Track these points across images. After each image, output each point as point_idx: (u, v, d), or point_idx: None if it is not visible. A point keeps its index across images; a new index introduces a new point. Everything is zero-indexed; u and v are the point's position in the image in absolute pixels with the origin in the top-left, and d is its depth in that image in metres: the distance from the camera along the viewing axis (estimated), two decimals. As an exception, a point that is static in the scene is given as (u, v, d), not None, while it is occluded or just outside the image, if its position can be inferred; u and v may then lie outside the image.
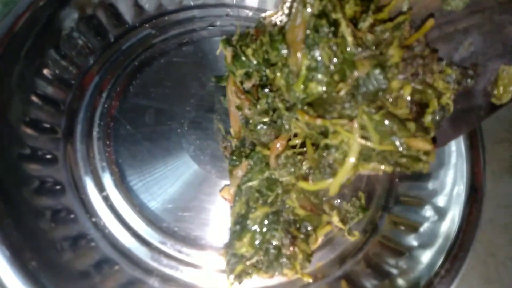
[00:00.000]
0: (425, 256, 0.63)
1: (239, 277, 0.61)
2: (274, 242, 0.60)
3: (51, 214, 0.61)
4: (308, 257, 0.61)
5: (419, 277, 0.61)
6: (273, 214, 0.60)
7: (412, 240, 0.66)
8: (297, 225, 0.63)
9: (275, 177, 0.61)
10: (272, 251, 0.59)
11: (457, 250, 0.61)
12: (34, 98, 0.67)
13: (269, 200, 0.61)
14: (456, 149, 0.70)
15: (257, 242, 0.60)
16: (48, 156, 0.66)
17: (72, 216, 0.63)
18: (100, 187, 0.67)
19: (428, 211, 0.68)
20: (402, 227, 0.69)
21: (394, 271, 0.64)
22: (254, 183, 0.61)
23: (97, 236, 0.62)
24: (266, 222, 0.60)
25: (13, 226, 0.55)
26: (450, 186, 0.68)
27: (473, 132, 0.71)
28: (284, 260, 0.59)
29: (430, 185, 0.71)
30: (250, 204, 0.61)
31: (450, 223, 0.64)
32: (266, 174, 0.61)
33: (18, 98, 0.65)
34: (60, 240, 0.60)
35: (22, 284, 0.52)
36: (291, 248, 0.60)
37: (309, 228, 0.63)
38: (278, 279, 0.64)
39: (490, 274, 0.76)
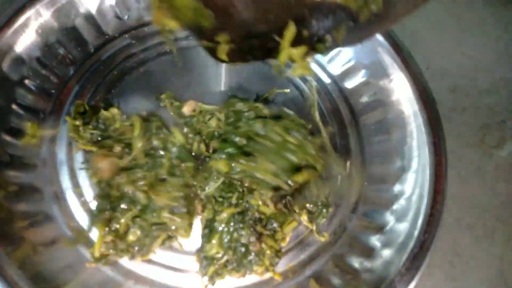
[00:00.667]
0: (388, 255, 0.66)
1: (212, 279, 0.64)
2: (242, 241, 0.63)
3: (29, 218, 0.64)
4: (277, 253, 0.64)
5: (382, 275, 0.65)
6: (239, 214, 0.64)
7: (377, 241, 0.69)
8: (263, 223, 0.66)
9: (232, 181, 0.65)
10: (241, 249, 0.62)
11: (418, 249, 0.64)
12: (14, 107, 0.70)
13: (233, 201, 0.64)
14: (419, 153, 0.74)
15: (225, 242, 0.63)
16: (28, 163, 0.69)
17: (50, 221, 0.66)
18: (79, 193, 0.70)
19: (392, 213, 0.72)
20: (368, 228, 0.72)
21: (359, 269, 0.67)
22: (210, 191, 0.65)
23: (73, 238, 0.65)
24: (232, 222, 0.63)
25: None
26: (414, 189, 0.72)
27: (436, 135, 0.74)
28: (252, 257, 0.62)
29: (395, 188, 0.74)
30: (216, 208, 0.65)
31: (412, 224, 0.68)
32: (221, 180, 0.65)
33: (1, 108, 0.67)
34: (37, 243, 0.62)
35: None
36: (258, 245, 0.63)
37: (275, 225, 0.66)
38: (251, 279, 0.67)
39: (455, 273, 0.79)
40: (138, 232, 0.63)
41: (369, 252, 0.69)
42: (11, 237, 0.60)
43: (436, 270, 0.79)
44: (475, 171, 0.91)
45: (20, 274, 0.58)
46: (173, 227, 0.64)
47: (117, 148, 0.68)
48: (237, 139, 0.67)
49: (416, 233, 0.67)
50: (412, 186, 0.72)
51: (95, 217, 0.63)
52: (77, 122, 0.70)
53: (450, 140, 0.87)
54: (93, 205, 0.67)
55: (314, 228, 0.69)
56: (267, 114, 0.72)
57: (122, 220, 0.63)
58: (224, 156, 0.66)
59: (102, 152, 0.66)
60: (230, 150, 0.66)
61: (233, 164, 0.65)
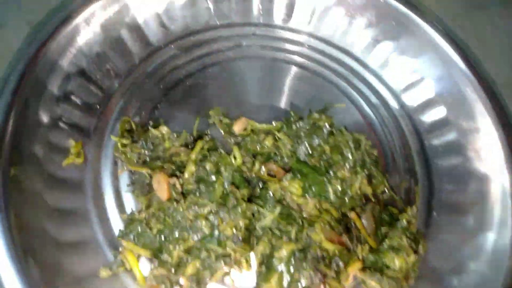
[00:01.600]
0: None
1: (268, 320, 0.58)
2: (304, 282, 0.57)
3: (74, 247, 0.59)
4: (340, 296, 0.58)
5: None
6: (300, 251, 0.57)
7: (454, 283, 0.62)
8: (326, 261, 0.59)
9: (290, 211, 0.59)
10: (302, 291, 0.56)
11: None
12: (58, 123, 0.66)
13: (292, 236, 0.58)
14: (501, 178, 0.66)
15: (285, 283, 0.56)
16: (72, 186, 0.64)
17: (94, 248, 0.61)
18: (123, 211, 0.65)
19: (470, 251, 0.64)
20: (443, 268, 0.64)
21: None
22: (266, 221, 0.59)
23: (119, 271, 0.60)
24: (293, 260, 0.57)
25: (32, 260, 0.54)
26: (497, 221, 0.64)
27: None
28: (314, 300, 0.56)
29: (473, 220, 0.66)
30: (274, 243, 0.58)
31: (495, 265, 0.60)
32: (278, 210, 0.58)
33: (41, 125, 0.63)
34: (83, 274, 0.58)
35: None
36: (322, 287, 0.57)
37: (340, 264, 0.60)
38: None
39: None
40: (198, 264, 0.57)
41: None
42: (55, 269, 0.56)
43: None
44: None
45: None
46: (233, 260, 0.58)
47: (168, 170, 0.63)
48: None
49: (500, 279, 0.59)
50: (491, 218, 0.64)
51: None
52: (124, 141, 0.65)
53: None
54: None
55: None
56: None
57: (175, 251, 0.58)
58: (299, 176, 0.60)
59: (162, 171, 0.61)
60: (304, 170, 0.60)
61: (307, 186, 0.59)
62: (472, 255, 0.63)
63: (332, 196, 0.63)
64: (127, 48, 0.76)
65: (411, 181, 0.72)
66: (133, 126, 0.67)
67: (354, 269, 0.59)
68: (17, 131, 0.59)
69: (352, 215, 0.62)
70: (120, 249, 0.60)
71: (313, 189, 0.62)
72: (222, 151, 0.65)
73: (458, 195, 0.70)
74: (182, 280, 0.59)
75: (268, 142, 0.66)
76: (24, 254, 0.53)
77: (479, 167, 0.69)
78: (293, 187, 0.61)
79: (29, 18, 0.81)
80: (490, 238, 0.63)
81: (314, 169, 0.63)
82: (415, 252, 0.62)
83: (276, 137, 0.67)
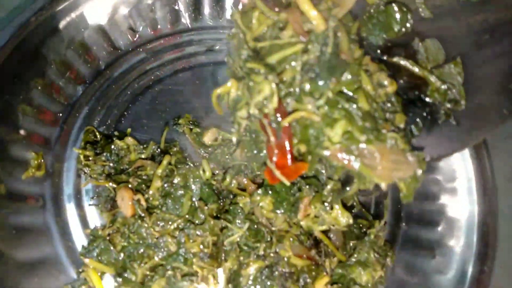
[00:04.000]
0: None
1: (236, 339, 0.57)
2: (271, 299, 0.56)
3: (35, 266, 0.57)
4: (307, 311, 0.58)
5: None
6: (268, 269, 0.56)
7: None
8: (294, 278, 0.59)
9: (259, 227, 0.58)
10: (268, 308, 0.55)
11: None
12: (17, 134, 0.62)
13: (261, 252, 0.57)
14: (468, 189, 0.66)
15: (252, 301, 0.56)
16: (32, 199, 0.61)
17: (57, 266, 0.59)
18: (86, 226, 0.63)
19: (436, 262, 0.65)
20: (409, 279, 0.65)
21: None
22: (234, 237, 0.58)
23: None
24: (259, 278, 0.56)
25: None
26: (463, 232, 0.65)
27: (484, 170, 0.67)
28: (281, 317, 0.55)
29: (440, 231, 0.67)
30: (241, 260, 0.58)
31: (460, 279, 0.61)
32: (246, 226, 0.58)
33: (2, 135, 0.60)
34: None
35: None
36: (289, 305, 0.56)
37: (307, 280, 0.59)
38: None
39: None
40: (163, 283, 0.56)
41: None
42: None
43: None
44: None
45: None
46: (200, 277, 0.57)
47: (133, 184, 0.61)
48: None
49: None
50: (457, 229, 0.65)
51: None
52: (87, 153, 0.62)
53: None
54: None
55: None
56: None
57: (140, 269, 0.56)
58: (270, 192, 0.59)
59: (126, 186, 0.59)
60: (276, 186, 0.59)
61: (278, 202, 0.59)
62: (438, 267, 0.64)
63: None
64: (92, 52, 0.73)
65: (380, 194, 0.72)
66: (98, 136, 0.65)
67: (321, 285, 0.59)
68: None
69: (317, 232, 0.61)
70: (83, 267, 0.58)
71: (284, 205, 0.61)
72: (191, 164, 0.63)
73: (426, 207, 0.70)
74: (147, 299, 0.57)
75: (238, 155, 0.64)
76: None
77: (449, 181, 0.70)
78: (264, 203, 0.60)
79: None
80: (457, 249, 0.64)
81: (285, 185, 0.62)
82: (383, 266, 0.62)
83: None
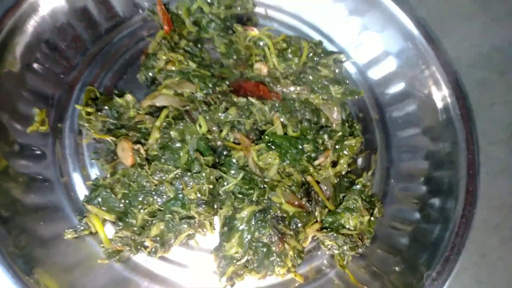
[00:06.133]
0: (417, 258, 0.63)
1: (231, 279, 0.60)
2: (263, 240, 0.59)
3: (39, 211, 0.60)
4: (299, 253, 0.61)
5: (412, 278, 0.61)
6: (260, 212, 0.60)
7: (405, 242, 0.66)
8: (286, 222, 0.62)
9: (253, 176, 0.61)
10: (262, 249, 0.58)
11: (449, 252, 0.61)
12: (23, 92, 0.65)
13: (254, 199, 0.60)
14: (451, 151, 0.69)
15: (246, 241, 0.59)
16: (36, 153, 0.64)
17: (60, 213, 0.62)
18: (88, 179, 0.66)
19: (421, 213, 0.68)
20: (396, 229, 0.68)
21: (387, 271, 0.64)
22: (229, 186, 0.61)
23: (84, 234, 0.61)
24: (253, 220, 0.59)
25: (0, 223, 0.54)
26: (443, 189, 0.68)
27: (469, 132, 0.70)
28: (274, 257, 0.58)
29: (424, 186, 0.70)
30: (236, 205, 0.61)
31: (443, 226, 0.64)
32: (241, 175, 0.61)
33: (6, 93, 0.63)
34: (48, 237, 0.59)
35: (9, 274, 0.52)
36: (281, 245, 0.59)
37: (299, 225, 0.62)
38: (270, 280, 0.64)
39: (481, 275, 0.76)
40: (162, 226, 0.59)
41: (396, 254, 0.65)
42: (22, 230, 0.56)
43: (462, 272, 0.76)
44: (503, 169, 0.86)
45: (30, 269, 0.54)
46: (197, 223, 0.60)
47: (132, 137, 0.63)
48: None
49: (447, 235, 0.63)
50: (442, 185, 0.68)
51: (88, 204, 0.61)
52: (89, 109, 0.65)
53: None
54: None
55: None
56: None
57: (140, 214, 0.59)
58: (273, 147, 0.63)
59: (126, 138, 0.62)
60: (277, 140, 0.63)
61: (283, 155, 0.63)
62: (423, 218, 0.67)
63: (303, 161, 0.65)
64: (93, 18, 0.75)
65: (371, 151, 0.75)
66: (98, 94, 0.67)
67: (312, 230, 0.62)
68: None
69: (309, 178, 0.65)
70: (86, 213, 0.61)
71: (288, 157, 0.64)
72: (188, 120, 0.66)
73: (413, 164, 0.74)
74: (147, 243, 0.60)
75: (231, 112, 0.67)
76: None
77: (434, 137, 0.73)
78: (270, 158, 0.63)
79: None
80: (438, 202, 0.67)
81: (286, 138, 0.65)
82: (371, 214, 0.66)
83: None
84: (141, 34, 0.79)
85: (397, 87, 0.79)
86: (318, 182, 0.66)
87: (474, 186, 0.66)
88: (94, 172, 0.67)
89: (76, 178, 0.66)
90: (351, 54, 0.85)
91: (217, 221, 0.64)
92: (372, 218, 0.66)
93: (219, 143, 0.67)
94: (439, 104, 0.74)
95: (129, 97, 0.67)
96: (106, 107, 0.66)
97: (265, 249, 0.59)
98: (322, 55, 0.75)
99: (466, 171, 0.67)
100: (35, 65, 0.68)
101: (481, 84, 0.96)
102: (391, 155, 0.76)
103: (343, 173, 0.70)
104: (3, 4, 0.65)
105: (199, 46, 0.78)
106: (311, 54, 0.74)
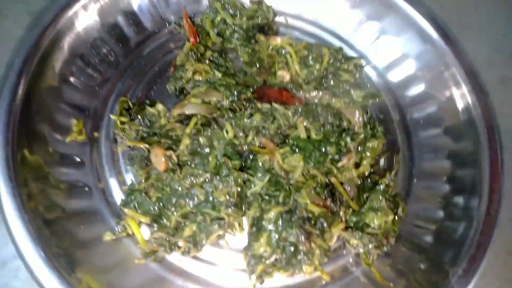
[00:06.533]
0: (443, 256, 0.64)
1: (260, 277, 0.63)
2: (291, 239, 0.61)
3: (79, 215, 0.65)
4: (326, 252, 0.63)
5: (438, 276, 0.62)
6: (287, 213, 0.62)
7: (430, 240, 0.67)
8: (312, 222, 0.64)
9: (278, 179, 0.64)
10: (289, 248, 0.61)
11: (474, 250, 0.61)
12: (61, 105, 0.70)
13: (280, 200, 0.63)
14: (474, 149, 0.70)
15: (273, 240, 0.62)
16: (75, 161, 0.69)
17: (98, 217, 0.66)
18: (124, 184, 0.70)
19: (444, 211, 0.69)
20: (420, 228, 0.69)
21: (412, 270, 0.65)
22: (256, 189, 0.64)
23: (121, 236, 0.65)
24: (280, 221, 0.62)
25: (45, 227, 0.59)
26: (467, 187, 0.69)
27: (491, 131, 0.71)
28: (301, 256, 0.61)
29: (447, 185, 0.71)
30: (263, 207, 0.63)
31: (467, 224, 0.65)
32: (267, 177, 0.64)
33: (46, 106, 0.68)
34: (88, 239, 0.63)
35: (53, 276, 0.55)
36: (308, 244, 0.61)
37: (325, 225, 0.65)
38: (298, 278, 0.66)
39: (509, 273, 0.76)
40: (194, 227, 0.63)
41: (421, 252, 0.66)
42: (64, 233, 0.61)
43: (489, 271, 0.75)
44: (528, 167, 0.86)
45: (73, 269, 0.58)
46: (227, 224, 0.63)
47: (164, 144, 0.67)
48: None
49: (471, 233, 0.64)
50: (465, 184, 0.69)
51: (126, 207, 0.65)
52: (123, 119, 0.70)
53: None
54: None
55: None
56: None
57: (173, 216, 0.63)
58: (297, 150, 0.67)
59: (159, 145, 0.66)
60: (301, 144, 0.66)
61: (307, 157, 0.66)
62: (447, 216, 0.68)
63: (327, 163, 0.68)
64: (123, 33, 0.80)
65: (393, 152, 0.77)
66: (130, 105, 0.72)
67: (337, 229, 0.64)
68: (23, 110, 0.64)
69: (333, 180, 0.67)
70: (122, 216, 0.65)
71: (312, 159, 0.67)
72: (215, 126, 0.70)
73: (435, 164, 0.75)
74: (180, 243, 0.64)
75: (256, 118, 0.70)
76: (36, 222, 0.58)
77: (456, 136, 0.74)
78: (295, 161, 0.66)
79: (29, 8, 0.86)
80: (462, 201, 0.68)
81: (309, 141, 0.68)
82: (395, 213, 0.67)
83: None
84: (168, 47, 0.84)
85: (417, 89, 0.81)
86: (341, 183, 0.68)
87: (498, 184, 0.66)
88: (129, 178, 0.71)
89: (113, 184, 0.70)
90: (371, 58, 0.87)
91: (245, 221, 0.67)
92: (396, 218, 0.68)
93: (245, 147, 0.70)
94: (460, 104, 0.75)
95: (160, 106, 0.71)
96: (139, 116, 0.71)
97: (292, 248, 0.61)
98: (342, 60, 0.77)
99: (489, 169, 0.68)
100: (72, 79, 0.73)
101: (503, 83, 0.95)
102: (413, 155, 0.78)
103: (366, 174, 0.71)
104: (40, 22, 0.71)
105: (223, 56, 0.82)
106: (331, 60, 0.77)
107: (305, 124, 0.70)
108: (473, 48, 0.98)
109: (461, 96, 0.75)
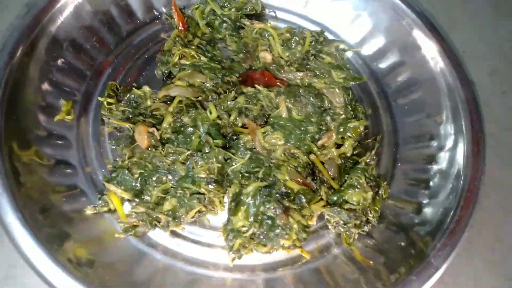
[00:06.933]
0: (425, 234, 0.63)
1: (238, 252, 0.63)
2: (268, 213, 0.62)
3: (64, 190, 0.66)
4: (304, 228, 0.63)
5: (418, 252, 0.61)
6: (265, 188, 0.63)
7: (412, 220, 0.66)
8: (291, 198, 0.65)
9: (259, 157, 0.66)
10: (267, 221, 0.61)
11: (454, 225, 0.61)
12: (50, 86, 0.73)
13: (260, 176, 0.64)
14: (455, 131, 0.71)
15: (251, 214, 0.62)
16: (62, 139, 0.71)
17: (82, 193, 0.68)
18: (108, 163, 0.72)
19: (427, 191, 0.69)
20: (403, 209, 0.69)
21: (392, 249, 0.64)
22: (237, 166, 0.65)
23: (103, 210, 0.66)
24: (258, 195, 0.63)
25: (28, 199, 0.60)
26: (449, 167, 0.69)
27: (474, 111, 0.71)
28: (279, 230, 0.61)
29: (430, 166, 0.71)
30: (243, 183, 0.64)
31: (448, 201, 0.64)
32: (248, 155, 0.66)
33: (36, 85, 0.70)
34: (72, 213, 0.64)
35: (36, 246, 0.56)
36: (285, 218, 0.61)
37: (303, 201, 0.65)
38: (279, 256, 0.66)
39: (496, 259, 0.74)
40: (174, 202, 0.63)
41: (402, 231, 0.66)
42: (47, 207, 0.62)
43: (477, 257, 0.74)
44: (517, 155, 0.85)
45: (53, 241, 0.59)
46: (207, 200, 0.64)
47: (149, 124, 0.69)
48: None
49: (452, 211, 0.63)
50: (448, 164, 0.69)
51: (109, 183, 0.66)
52: (110, 100, 0.72)
53: (489, 124, 0.83)
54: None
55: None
56: None
57: (154, 191, 0.64)
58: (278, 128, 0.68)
59: (142, 122, 0.68)
60: (282, 122, 0.68)
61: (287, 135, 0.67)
62: (430, 197, 0.68)
63: (307, 141, 0.68)
64: (115, 22, 0.83)
65: (377, 136, 0.78)
66: (119, 87, 0.74)
67: (317, 206, 0.65)
68: (13, 88, 0.66)
69: (312, 157, 0.67)
70: (105, 191, 0.66)
71: (292, 137, 0.68)
72: (199, 107, 0.71)
73: (419, 147, 0.75)
74: (161, 218, 0.65)
75: (240, 100, 0.71)
76: (21, 196, 0.60)
77: (439, 120, 0.75)
78: (275, 139, 0.67)
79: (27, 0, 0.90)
80: (445, 182, 0.68)
81: (290, 120, 0.69)
82: (376, 192, 0.67)
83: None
84: (159, 37, 0.86)
85: (402, 76, 0.82)
86: (323, 163, 0.69)
87: (479, 163, 0.66)
88: (114, 158, 0.72)
89: (98, 163, 0.71)
90: (357, 47, 0.88)
91: (227, 201, 0.67)
92: (378, 197, 0.68)
93: (229, 130, 0.72)
94: (444, 90, 0.76)
95: (146, 88, 0.73)
96: (126, 98, 0.73)
97: (270, 222, 0.61)
98: (324, 43, 0.79)
99: (471, 148, 0.68)
100: (62, 62, 0.75)
101: (492, 74, 0.96)
102: (398, 139, 0.78)
103: (348, 155, 0.72)
104: (33, 7, 0.73)
105: (212, 45, 0.84)
106: (313, 43, 0.78)
107: (287, 105, 0.71)
108: (462, 40, 0.99)
109: (444, 81, 0.76)
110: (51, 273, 0.56)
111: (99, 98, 0.74)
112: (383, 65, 0.85)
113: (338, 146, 0.72)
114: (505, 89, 0.94)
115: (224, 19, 0.85)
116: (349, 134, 0.71)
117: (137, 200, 0.65)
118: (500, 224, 0.78)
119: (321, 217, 0.69)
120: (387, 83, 0.84)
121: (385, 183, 0.70)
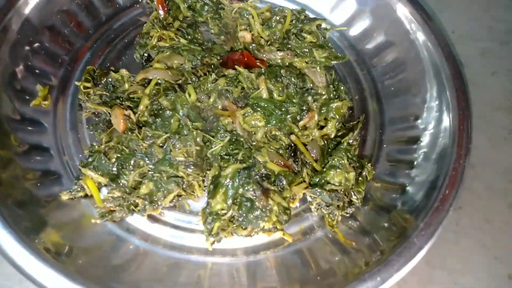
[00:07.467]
0: (408, 214, 0.62)
1: (218, 235, 0.61)
2: (247, 195, 0.60)
3: (38, 176, 0.64)
4: (285, 210, 0.61)
5: (400, 231, 0.60)
6: (245, 170, 0.61)
7: (398, 202, 0.65)
8: (271, 180, 0.63)
9: (239, 139, 0.64)
10: (246, 203, 0.59)
11: (438, 203, 0.59)
12: (26, 71, 0.71)
13: (239, 158, 0.62)
14: (440, 108, 0.69)
15: (230, 196, 0.60)
16: (37, 125, 0.69)
17: (58, 178, 0.66)
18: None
19: (413, 171, 0.67)
20: (389, 191, 0.67)
21: (377, 229, 0.63)
22: (216, 148, 0.64)
23: (79, 195, 0.65)
24: (237, 177, 0.61)
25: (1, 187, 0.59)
26: (434, 146, 0.67)
27: (459, 89, 0.69)
28: (259, 212, 0.59)
29: (415, 147, 0.70)
30: (222, 165, 0.62)
31: (434, 179, 0.63)
32: (227, 137, 0.64)
33: (11, 69, 0.68)
34: (47, 198, 0.63)
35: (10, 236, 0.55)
36: (264, 200, 0.60)
37: (284, 182, 0.63)
38: (260, 239, 0.64)
39: (486, 240, 0.73)
40: (151, 186, 0.62)
41: (386, 213, 0.64)
42: (21, 191, 0.61)
43: (466, 238, 0.73)
44: (507, 135, 0.84)
45: (28, 231, 0.57)
46: (186, 184, 0.63)
47: (126, 107, 0.67)
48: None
49: (435, 192, 0.61)
50: (433, 143, 0.67)
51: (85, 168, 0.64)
52: (87, 84, 0.70)
53: (479, 104, 0.82)
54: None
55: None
56: None
57: (131, 176, 0.62)
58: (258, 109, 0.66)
59: (118, 105, 0.66)
60: (262, 103, 0.66)
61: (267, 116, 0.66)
62: (413, 178, 0.67)
63: (288, 122, 0.67)
64: (94, 5, 0.81)
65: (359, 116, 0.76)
66: (96, 71, 0.72)
67: (299, 188, 0.63)
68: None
69: (293, 137, 0.66)
70: (81, 176, 0.65)
71: (272, 118, 0.66)
72: (178, 90, 0.69)
73: (405, 128, 0.73)
74: (138, 203, 0.63)
75: (220, 82, 0.70)
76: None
77: (425, 100, 0.73)
78: (255, 120, 0.65)
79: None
80: (430, 163, 0.66)
81: (270, 101, 0.67)
82: (360, 174, 0.65)
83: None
84: (140, 21, 0.85)
85: (389, 57, 0.80)
86: (305, 145, 0.67)
87: (465, 139, 0.64)
88: (92, 143, 0.70)
89: (75, 148, 0.70)
90: (343, 32, 0.86)
91: (207, 184, 0.65)
92: (361, 179, 0.66)
93: (209, 113, 0.70)
94: (429, 68, 0.74)
95: (124, 71, 0.71)
96: (103, 82, 0.71)
97: (249, 204, 0.60)
98: (305, 21, 0.77)
99: (457, 126, 0.66)
100: (39, 47, 0.73)
101: (483, 54, 0.94)
102: (384, 120, 0.76)
103: (332, 136, 0.70)
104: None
105: (193, 28, 0.82)
106: (294, 21, 0.76)
107: (268, 85, 0.69)
108: (453, 21, 0.97)
109: (430, 59, 0.74)
110: (28, 264, 0.54)
111: (76, 83, 0.72)
112: (369, 46, 0.83)
113: (322, 127, 0.70)
114: (496, 69, 0.92)
115: (205, 1, 0.83)
116: (331, 114, 0.69)
117: (113, 184, 0.63)
118: (488, 205, 0.77)
119: (304, 200, 0.67)
120: (373, 65, 0.82)
121: (369, 164, 0.69)
